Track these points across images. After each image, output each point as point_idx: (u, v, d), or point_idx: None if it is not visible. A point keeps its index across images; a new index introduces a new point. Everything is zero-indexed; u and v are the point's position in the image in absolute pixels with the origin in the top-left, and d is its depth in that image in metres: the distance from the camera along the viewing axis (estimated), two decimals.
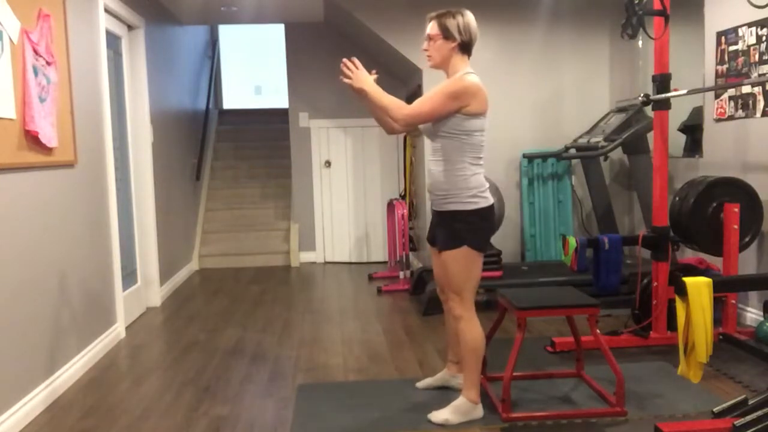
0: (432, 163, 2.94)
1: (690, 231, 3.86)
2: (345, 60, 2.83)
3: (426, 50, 2.93)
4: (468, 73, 2.85)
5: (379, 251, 7.30)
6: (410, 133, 6.96)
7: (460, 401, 2.91)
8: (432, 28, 2.89)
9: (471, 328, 2.88)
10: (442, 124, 2.83)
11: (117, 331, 4.36)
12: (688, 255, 4.69)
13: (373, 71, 2.88)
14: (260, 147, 8.47)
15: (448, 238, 2.88)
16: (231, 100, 10.35)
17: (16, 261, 3.02)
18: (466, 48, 2.89)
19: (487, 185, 2.91)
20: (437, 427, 2.85)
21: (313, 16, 6.51)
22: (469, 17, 2.88)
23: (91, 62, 4.09)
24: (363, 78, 2.81)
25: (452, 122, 2.81)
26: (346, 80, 2.82)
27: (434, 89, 2.83)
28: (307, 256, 7.37)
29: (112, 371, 3.76)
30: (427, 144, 2.99)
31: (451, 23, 2.85)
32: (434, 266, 3.16)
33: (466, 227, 2.84)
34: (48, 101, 3.33)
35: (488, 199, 2.88)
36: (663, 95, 3.75)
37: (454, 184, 2.85)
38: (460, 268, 2.86)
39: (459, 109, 2.78)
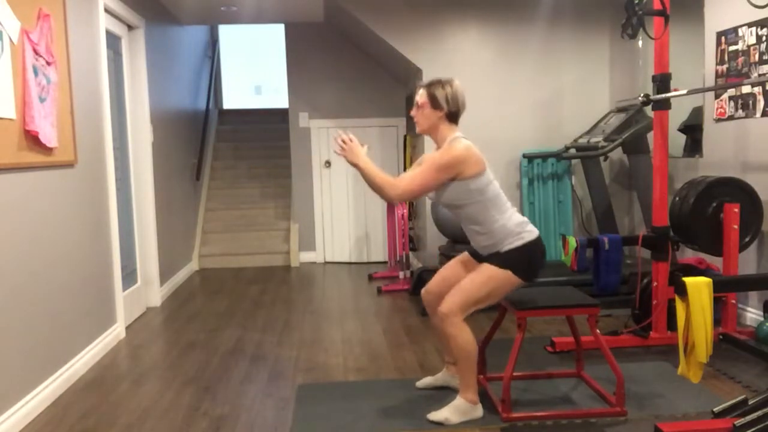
0: (464, 226, 2.99)
1: (690, 231, 3.86)
2: (340, 132, 2.88)
3: (414, 116, 3.00)
4: (455, 139, 2.90)
5: (379, 251, 7.30)
6: (412, 136, 6.97)
7: (459, 401, 2.92)
8: (421, 96, 2.96)
9: (461, 332, 2.87)
10: (450, 198, 2.89)
11: (117, 331, 4.36)
12: (688, 255, 4.69)
13: (364, 145, 2.90)
14: (260, 147, 8.47)
15: (499, 258, 2.90)
16: (231, 100, 10.35)
17: (15, 261, 3.02)
18: (453, 117, 2.95)
19: (525, 219, 2.97)
20: (437, 427, 2.85)
21: (313, 16, 6.51)
22: (457, 88, 2.94)
23: (91, 62, 4.09)
24: (357, 152, 2.85)
25: (458, 192, 2.86)
26: (340, 153, 2.86)
27: (425, 163, 2.88)
28: (307, 256, 7.37)
29: (112, 371, 3.76)
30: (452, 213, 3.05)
31: (440, 93, 2.91)
32: (447, 268, 3.15)
33: (518, 258, 2.88)
34: (48, 101, 3.33)
35: (533, 232, 2.93)
36: (663, 95, 3.75)
37: (496, 237, 2.90)
38: (490, 284, 2.88)
39: (452, 178, 2.84)
